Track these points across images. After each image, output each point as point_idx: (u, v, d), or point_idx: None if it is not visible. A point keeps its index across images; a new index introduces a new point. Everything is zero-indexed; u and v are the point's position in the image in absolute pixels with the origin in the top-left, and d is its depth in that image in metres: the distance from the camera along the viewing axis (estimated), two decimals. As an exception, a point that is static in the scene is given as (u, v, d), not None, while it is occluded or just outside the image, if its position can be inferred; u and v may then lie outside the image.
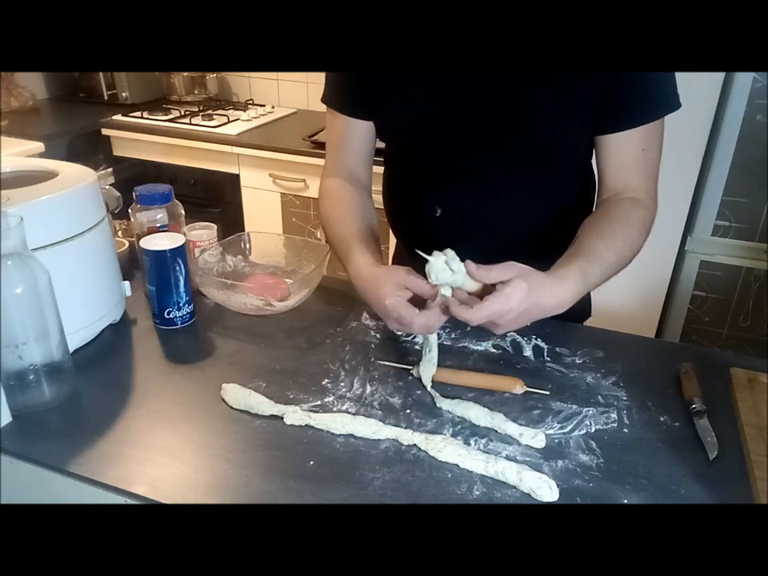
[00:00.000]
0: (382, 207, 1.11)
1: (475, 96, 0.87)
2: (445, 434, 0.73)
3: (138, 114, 2.42)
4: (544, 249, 0.97)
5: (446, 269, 0.72)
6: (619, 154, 0.88)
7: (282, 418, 0.75)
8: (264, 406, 0.76)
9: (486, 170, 0.93)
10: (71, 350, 0.81)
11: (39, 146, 2.08)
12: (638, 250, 0.86)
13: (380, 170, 1.09)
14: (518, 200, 0.95)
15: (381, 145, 1.09)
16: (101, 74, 2.56)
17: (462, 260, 0.73)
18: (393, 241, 1.19)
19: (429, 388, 0.81)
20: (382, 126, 1.01)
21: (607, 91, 0.83)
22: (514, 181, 0.94)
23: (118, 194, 1.06)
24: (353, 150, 1.02)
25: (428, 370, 0.81)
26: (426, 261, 0.72)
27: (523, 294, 0.70)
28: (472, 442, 0.72)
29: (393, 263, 1.21)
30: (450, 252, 0.73)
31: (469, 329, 0.93)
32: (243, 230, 1.22)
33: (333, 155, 1.04)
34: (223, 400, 0.78)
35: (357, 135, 1.01)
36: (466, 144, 0.91)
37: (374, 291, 0.79)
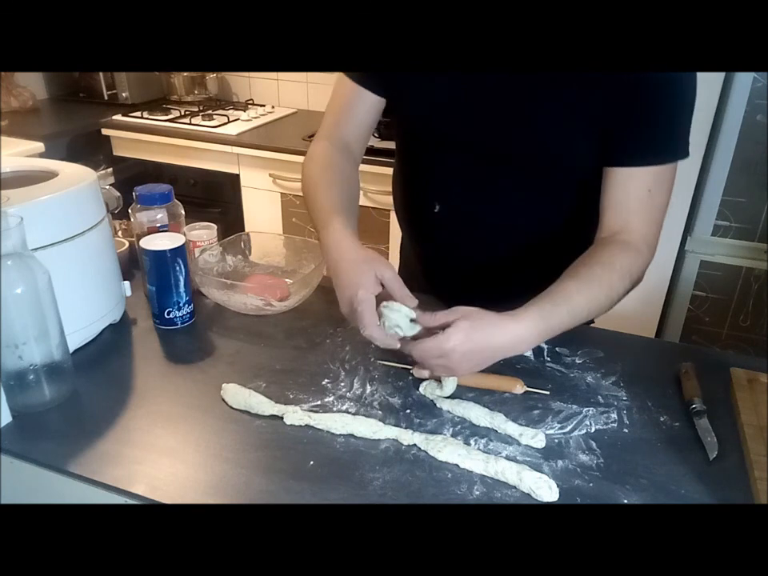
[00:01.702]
0: (391, 207, 1.12)
1: (477, 95, 0.87)
2: (445, 434, 0.73)
3: (138, 113, 2.42)
4: (537, 255, 0.97)
5: (396, 321, 0.75)
6: (623, 190, 0.84)
7: (282, 418, 0.75)
8: (264, 405, 0.76)
9: (482, 170, 0.93)
10: (71, 350, 0.81)
11: (39, 146, 2.08)
12: (617, 297, 0.81)
13: (388, 171, 1.10)
14: (513, 203, 0.94)
15: (389, 145, 1.10)
16: (101, 73, 2.56)
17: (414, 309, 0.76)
18: (393, 241, 1.19)
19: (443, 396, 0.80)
20: (392, 109, 0.98)
21: (620, 119, 0.81)
22: (510, 183, 0.93)
23: (118, 194, 1.06)
24: (355, 119, 0.98)
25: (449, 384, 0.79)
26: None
27: (464, 333, 0.70)
28: (472, 441, 0.73)
29: (399, 255, 1.22)
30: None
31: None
32: (243, 230, 1.22)
33: (332, 119, 1.00)
34: (223, 400, 0.78)
35: (363, 105, 0.97)
36: (465, 142, 0.91)
37: (351, 274, 0.78)
